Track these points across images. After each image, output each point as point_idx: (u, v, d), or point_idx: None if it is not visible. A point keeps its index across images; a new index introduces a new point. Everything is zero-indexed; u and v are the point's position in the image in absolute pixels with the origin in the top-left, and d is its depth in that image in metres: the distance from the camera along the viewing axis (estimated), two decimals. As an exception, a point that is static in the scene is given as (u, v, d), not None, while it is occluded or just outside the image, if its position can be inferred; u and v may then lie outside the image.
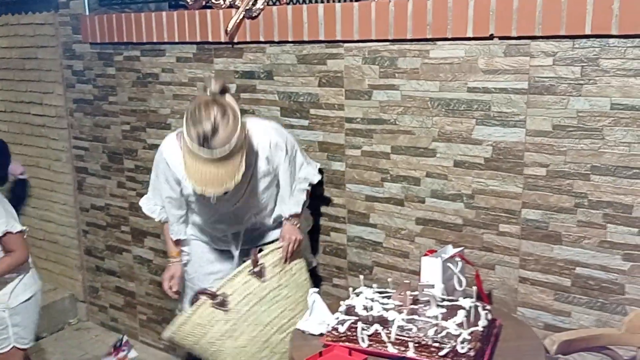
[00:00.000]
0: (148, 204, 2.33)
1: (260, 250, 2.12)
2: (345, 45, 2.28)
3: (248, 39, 2.50)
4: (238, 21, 2.50)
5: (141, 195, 2.41)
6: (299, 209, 2.19)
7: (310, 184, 2.25)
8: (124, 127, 3.12)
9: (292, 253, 2.13)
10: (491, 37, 1.96)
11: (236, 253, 2.28)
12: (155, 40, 2.84)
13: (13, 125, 3.77)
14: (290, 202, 2.20)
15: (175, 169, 2.12)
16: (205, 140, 1.82)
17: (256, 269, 2.06)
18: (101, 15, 3.05)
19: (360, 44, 2.24)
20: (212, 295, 2.02)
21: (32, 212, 3.83)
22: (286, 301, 2.12)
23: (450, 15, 2.00)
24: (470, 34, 1.99)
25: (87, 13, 3.14)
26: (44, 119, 3.56)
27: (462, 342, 1.52)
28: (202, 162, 1.84)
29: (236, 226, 2.23)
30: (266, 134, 2.12)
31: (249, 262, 2.07)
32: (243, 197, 2.14)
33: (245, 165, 1.90)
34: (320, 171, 2.34)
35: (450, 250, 1.95)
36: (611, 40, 1.78)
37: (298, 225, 2.20)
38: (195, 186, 1.87)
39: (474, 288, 1.79)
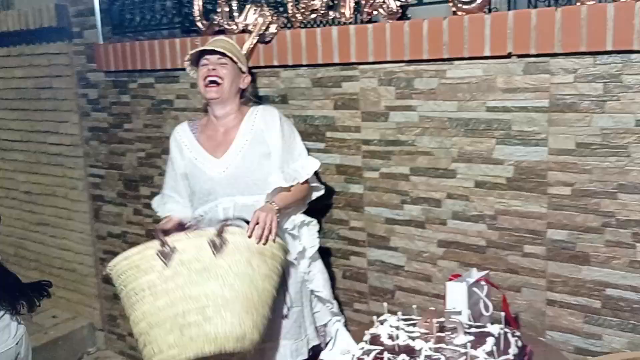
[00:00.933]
0: (158, 201, 2.39)
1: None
2: (361, 67, 2.26)
3: (262, 64, 2.49)
4: (252, 46, 2.49)
5: (158, 222, 2.39)
6: (285, 184, 2.11)
7: (307, 175, 2.16)
8: (140, 154, 3.12)
9: (262, 237, 1.93)
10: (509, 56, 1.93)
11: None
12: (169, 67, 2.84)
13: (29, 154, 3.79)
14: (278, 176, 2.13)
15: (181, 137, 2.29)
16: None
17: (216, 240, 1.86)
18: (115, 43, 3.07)
19: (376, 66, 2.22)
20: (163, 243, 1.87)
21: (49, 240, 3.83)
22: (226, 289, 1.83)
23: (467, 35, 1.98)
24: (487, 53, 1.96)
25: (101, 42, 3.15)
26: (59, 147, 3.57)
27: (492, 372, 1.47)
28: (211, 41, 2.28)
29: (226, 198, 2.15)
30: (267, 107, 2.30)
31: (213, 229, 1.91)
32: (234, 162, 2.16)
33: (232, 71, 2.19)
34: (328, 189, 2.37)
35: (475, 274, 1.90)
36: (633, 56, 1.74)
37: (277, 209, 2.04)
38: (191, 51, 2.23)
39: (502, 313, 1.73)
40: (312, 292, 2.24)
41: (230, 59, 2.19)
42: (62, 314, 3.79)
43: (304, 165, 2.19)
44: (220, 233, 1.88)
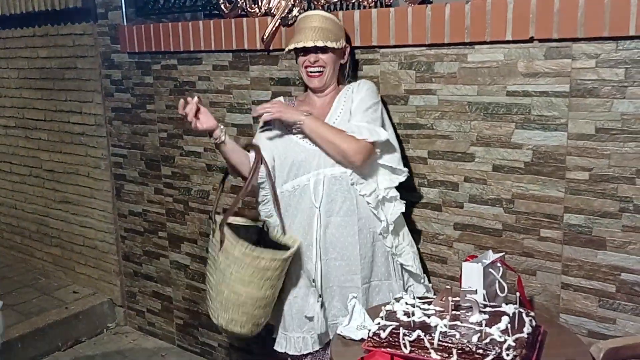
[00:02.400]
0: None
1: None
2: (382, 50, 2.28)
3: (284, 46, 2.51)
4: (274, 29, 2.52)
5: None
6: (342, 127, 2.06)
7: (368, 135, 2.02)
8: (162, 134, 3.17)
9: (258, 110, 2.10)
10: (531, 40, 1.94)
11: (317, 207, 2.09)
12: (192, 49, 2.88)
13: (53, 133, 3.87)
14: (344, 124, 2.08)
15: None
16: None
17: (220, 235, 2.02)
18: (139, 25, 3.11)
19: (397, 49, 2.24)
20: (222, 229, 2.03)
21: (71, 218, 3.91)
22: (222, 284, 2.06)
23: (489, 19, 1.99)
24: (509, 37, 1.97)
25: (125, 23, 3.20)
26: (83, 127, 3.64)
27: (507, 349, 1.49)
28: (304, 26, 2.11)
29: (319, 170, 2.08)
30: (362, 81, 2.21)
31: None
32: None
33: (335, 44, 2.06)
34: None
35: (491, 256, 1.93)
36: (656, 41, 1.74)
37: (304, 117, 2.06)
38: (292, 43, 2.07)
39: (516, 294, 1.76)
40: (402, 266, 2.17)
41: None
42: (83, 290, 3.88)
43: (372, 129, 2.03)
44: (221, 228, 2.00)
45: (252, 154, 2.11)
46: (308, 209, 2.11)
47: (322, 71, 2.11)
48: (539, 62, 1.95)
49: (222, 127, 2.06)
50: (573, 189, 1.95)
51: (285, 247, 2.09)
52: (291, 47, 2.08)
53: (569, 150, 1.94)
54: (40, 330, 3.43)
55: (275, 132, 2.19)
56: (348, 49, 2.19)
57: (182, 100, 1.98)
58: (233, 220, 2.13)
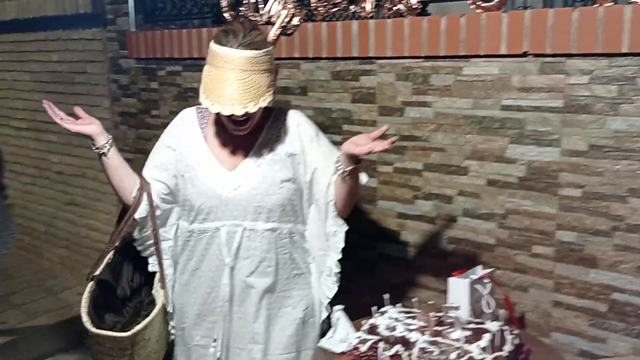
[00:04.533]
0: None
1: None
2: (379, 61, 2.28)
3: (283, 55, 2.53)
4: (275, 37, 2.53)
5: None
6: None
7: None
8: (165, 140, 3.20)
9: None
10: (525, 55, 1.92)
11: (227, 262, 1.83)
12: (196, 56, 2.91)
13: (62, 136, 3.92)
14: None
15: (186, 130, 1.89)
16: (235, 37, 1.66)
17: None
18: (146, 31, 3.15)
19: (393, 61, 2.24)
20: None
21: (79, 220, 3.96)
22: None
23: (484, 32, 1.98)
24: (504, 51, 1.95)
25: (133, 29, 3.24)
26: (91, 131, 3.69)
27: (485, 367, 1.48)
28: (228, 69, 1.63)
29: (232, 221, 1.81)
30: (296, 113, 1.93)
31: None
32: (250, 180, 1.81)
33: (269, 98, 1.68)
34: None
35: (480, 271, 1.91)
36: (650, 58, 1.72)
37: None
38: (214, 104, 1.63)
39: (503, 311, 1.74)
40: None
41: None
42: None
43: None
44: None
45: (137, 182, 1.88)
46: (216, 261, 1.85)
47: (249, 123, 1.76)
48: (533, 77, 1.93)
49: (109, 136, 1.85)
50: (566, 205, 1.93)
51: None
52: (214, 110, 1.64)
53: (561, 167, 1.92)
54: (44, 330, 3.47)
55: (182, 167, 1.86)
56: (276, 74, 1.80)
57: (46, 105, 1.84)
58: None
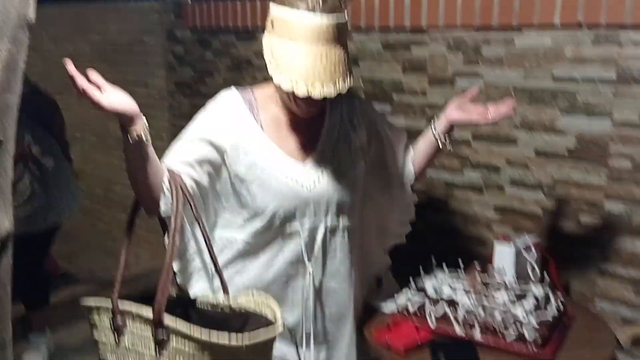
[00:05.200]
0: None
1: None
2: (430, 32, 2.31)
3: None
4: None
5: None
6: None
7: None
8: (219, 108, 3.31)
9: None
10: (579, 26, 1.92)
11: (309, 267, 1.56)
12: (249, 25, 2.99)
13: (121, 104, 4.08)
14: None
15: (235, 121, 1.50)
16: (316, 3, 1.33)
17: (159, 332, 1.25)
18: (201, 2, 3.24)
19: (445, 32, 2.26)
20: (114, 314, 1.32)
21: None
22: None
23: (537, 3, 1.98)
24: (557, 22, 1.96)
25: (189, 1, 3.34)
26: (147, 99, 3.83)
27: (529, 330, 1.54)
28: (309, 40, 1.32)
29: (313, 218, 1.55)
30: (354, 93, 1.68)
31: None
32: (328, 171, 1.55)
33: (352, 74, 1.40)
34: None
35: (527, 239, 1.95)
36: None
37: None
38: (298, 83, 1.31)
39: (548, 279, 1.79)
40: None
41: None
42: (143, 253, 4.12)
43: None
44: (159, 322, 1.24)
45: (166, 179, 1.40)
46: (291, 267, 1.57)
47: (322, 102, 1.45)
48: (586, 48, 1.93)
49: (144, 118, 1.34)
50: (615, 176, 1.94)
51: (239, 315, 1.40)
52: (301, 92, 1.32)
53: (612, 138, 1.93)
54: (101, 288, 3.68)
55: (243, 168, 1.51)
56: None
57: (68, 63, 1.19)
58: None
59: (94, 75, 1.23)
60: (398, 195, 1.78)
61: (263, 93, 1.57)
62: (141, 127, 1.32)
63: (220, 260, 1.52)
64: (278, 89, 1.45)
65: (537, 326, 1.55)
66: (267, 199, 1.50)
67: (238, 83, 3.13)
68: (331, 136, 1.58)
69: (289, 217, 1.52)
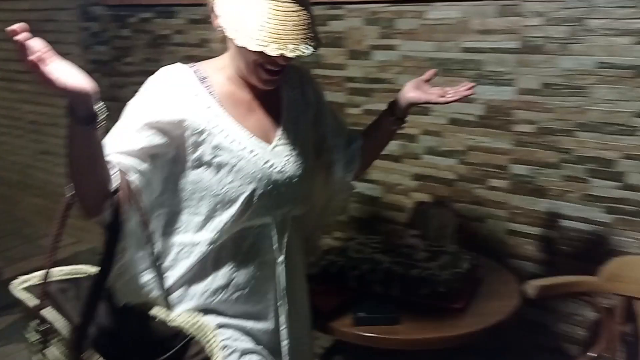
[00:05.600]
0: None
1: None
2: (347, 6, 2.36)
3: None
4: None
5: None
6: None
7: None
8: (139, 87, 3.24)
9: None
10: (484, -2, 2.03)
11: (280, 261, 1.40)
12: (168, 2, 2.95)
13: (34, 85, 3.91)
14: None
15: (190, 99, 1.28)
16: None
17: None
18: (116, -22, 3.16)
19: (361, 6, 2.33)
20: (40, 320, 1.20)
21: (54, 169, 4.01)
22: None
23: (446, -23, 2.08)
24: (465, -5, 2.06)
25: (103, -24, 3.25)
26: (63, 79, 3.70)
27: (442, 284, 1.64)
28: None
29: (283, 207, 1.38)
30: (301, 65, 1.52)
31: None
32: (295, 151, 1.38)
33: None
34: None
35: (442, 203, 2.06)
36: (597, 1, 1.84)
37: None
38: (268, 45, 1.17)
39: (459, 237, 1.90)
40: None
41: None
42: (66, 238, 3.99)
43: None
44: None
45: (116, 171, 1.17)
46: (262, 268, 1.38)
47: (284, 70, 1.31)
48: (491, 20, 2.05)
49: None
50: (520, 141, 2.08)
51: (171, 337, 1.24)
52: (273, 52, 1.17)
53: (517, 105, 2.06)
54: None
55: (209, 151, 1.29)
56: None
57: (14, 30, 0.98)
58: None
59: (40, 44, 0.99)
60: (336, 183, 1.60)
61: (212, 67, 1.35)
62: (95, 107, 1.06)
63: (179, 270, 1.31)
64: (236, 57, 1.29)
65: (450, 279, 1.65)
66: (239, 184, 1.29)
67: (158, 60, 3.09)
68: (291, 112, 1.41)
69: (262, 207, 1.32)
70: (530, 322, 2.12)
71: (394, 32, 2.27)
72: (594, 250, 2.00)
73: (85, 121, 1.04)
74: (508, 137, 2.09)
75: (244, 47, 1.18)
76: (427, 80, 1.54)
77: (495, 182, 2.16)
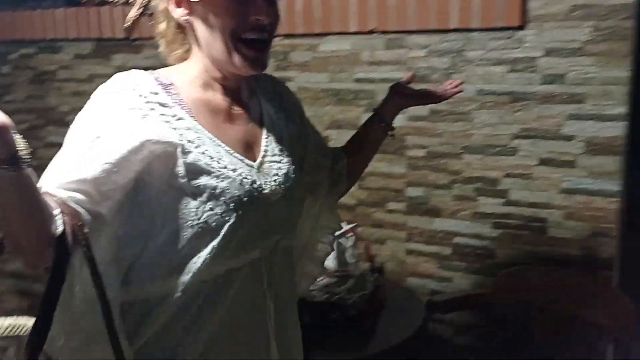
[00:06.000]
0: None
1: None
2: (241, 40, 2.40)
3: (147, 35, 2.56)
4: (135, 18, 2.55)
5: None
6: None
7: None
8: (22, 126, 3.07)
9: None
10: (372, 32, 2.15)
11: (270, 306, 1.13)
12: (52, 37, 2.84)
13: None
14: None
15: (158, 115, 1.04)
16: None
17: None
18: (-6, 13, 3.00)
19: (255, 39, 2.37)
20: None
21: None
22: None
23: (336, 11, 2.18)
24: (354, 29, 2.17)
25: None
26: None
27: (352, 306, 1.69)
28: None
29: (273, 236, 1.12)
30: (274, 77, 1.39)
31: None
32: (281, 171, 1.15)
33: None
34: None
35: (344, 227, 2.12)
36: (474, 34, 2.01)
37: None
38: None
39: (365, 261, 1.97)
40: None
41: None
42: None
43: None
44: None
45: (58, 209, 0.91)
46: (250, 311, 1.12)
47: (269, 41, 1.17)
48: (380, 52, 2.17)
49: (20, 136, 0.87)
50: (413, 165, 2.20)
51: None
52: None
53: (408, 131, 2.18)
54: None
55: (176, 159, 1.02)
56: None
57: None
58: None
59: None
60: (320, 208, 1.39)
61: (177, 72, 1.15)
62: (23, 146, 0.86)
63: (145, 331, 1.05)
64: (208, 45, 1.10)
65: (358, 301, 1.70)
66: (221, 211, 1.03)
67: (43, 97, 2.96)
68: (273, 125, 1.20)
69: (248, 237, 1.07)
70: (433, 337, 2.22)
71: (289, 64, 2.34)
72: (485, 264, 2.14)
73: (6, 162, 0.83)
74: (403, 161, 2.21)
75: (220, 8, 1.03)
76: (408, 83, 1.43)
77: (393, 205, 2.26)
